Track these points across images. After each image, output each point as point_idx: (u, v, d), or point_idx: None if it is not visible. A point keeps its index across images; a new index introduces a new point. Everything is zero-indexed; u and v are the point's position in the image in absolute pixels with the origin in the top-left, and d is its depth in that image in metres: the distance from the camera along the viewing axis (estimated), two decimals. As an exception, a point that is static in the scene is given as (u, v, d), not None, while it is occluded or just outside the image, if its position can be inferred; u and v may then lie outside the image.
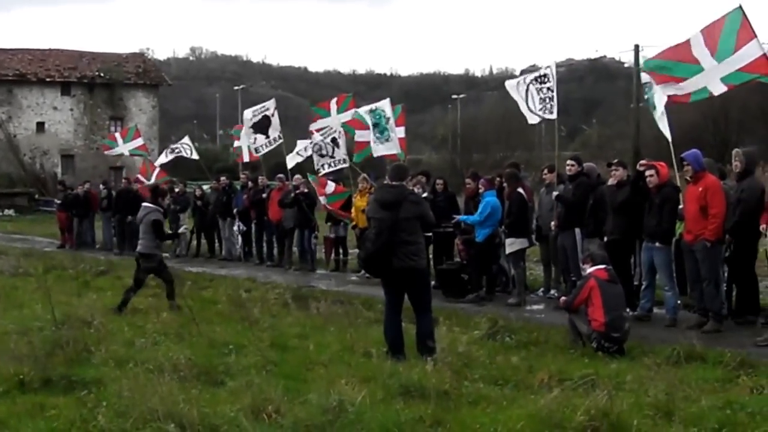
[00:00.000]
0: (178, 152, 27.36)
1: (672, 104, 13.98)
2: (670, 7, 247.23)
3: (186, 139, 27.86)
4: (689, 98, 13.44)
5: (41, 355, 9.85)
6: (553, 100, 16.14)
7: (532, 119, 16.71)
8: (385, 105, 20.66)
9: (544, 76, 16.32)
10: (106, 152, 31.43)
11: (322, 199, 21.54)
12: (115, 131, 62.90)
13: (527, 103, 16.47)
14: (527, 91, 16.41)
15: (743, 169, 12.78)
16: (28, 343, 10.33)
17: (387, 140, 20.20)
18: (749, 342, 11.37)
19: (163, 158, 28.56)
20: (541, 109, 16.33)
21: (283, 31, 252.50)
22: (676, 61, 13.14)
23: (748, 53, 12.19)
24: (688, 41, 12.91)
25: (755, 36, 12.16)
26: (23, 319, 12.59)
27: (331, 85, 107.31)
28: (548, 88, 16.15)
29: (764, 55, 12.24)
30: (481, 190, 16.34)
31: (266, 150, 24.49)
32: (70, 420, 7.53)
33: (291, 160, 23.60)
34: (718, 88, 12.80)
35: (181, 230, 21.22)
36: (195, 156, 27.00)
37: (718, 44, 12.48)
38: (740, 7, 12.28)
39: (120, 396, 7.96)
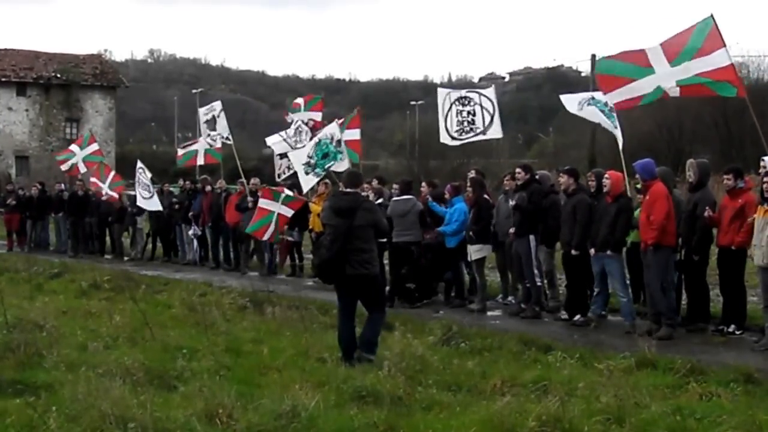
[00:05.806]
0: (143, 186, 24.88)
1: (620, 109, 14.09)
2: (627, 18, 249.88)
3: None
4: (641, 100, 13.56)
5: (-9, 358, 9.76)
6: (474, 123, 16.39)
7: (444, 138, 16.69)
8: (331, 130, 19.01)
9: (466, 98, 16.37)
10: (61, 167, 30.29)
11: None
12: (71, 133, 62.96)
13: (446, 121, 16.53)
14: (450, 108, 16.46)
15: (697, 181, 12.95)
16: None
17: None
18: (699, 349, 11.53)
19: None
20: (457, 131, 16.44)
21: (240, 35, 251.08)
22: (628, 63, 13.26)
23: (714, 60, 12.35)
24: (644, 51, 13.05)
25: (724, 45, 12.34)
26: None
27: (290, 89, 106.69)
28: (468, 112, 16.23)
29: (732, 64, 12.46)
30: (447, 197, 16.38)
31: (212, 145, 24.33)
32: (20, 424, 7.43)
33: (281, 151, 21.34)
34: (672, 89, 12.94)
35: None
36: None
37: (679, 54, 12.62)
38: (711, 16, 12.46)
39: (72, 400, 7.88)
